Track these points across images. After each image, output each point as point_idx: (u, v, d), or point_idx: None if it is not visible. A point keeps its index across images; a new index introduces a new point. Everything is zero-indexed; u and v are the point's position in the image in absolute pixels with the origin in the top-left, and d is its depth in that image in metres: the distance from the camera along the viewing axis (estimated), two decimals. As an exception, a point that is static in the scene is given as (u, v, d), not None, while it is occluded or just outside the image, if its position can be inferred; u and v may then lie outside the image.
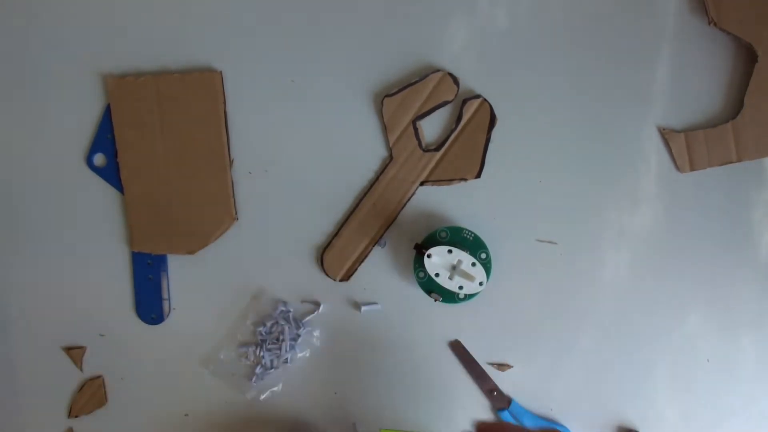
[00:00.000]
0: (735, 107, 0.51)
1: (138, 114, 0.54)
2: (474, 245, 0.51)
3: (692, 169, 0.52)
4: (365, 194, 0.54)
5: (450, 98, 0.52)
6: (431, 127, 0.53)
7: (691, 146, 0.52)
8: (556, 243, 0.54)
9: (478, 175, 0.53)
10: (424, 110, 0.52)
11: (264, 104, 0.54)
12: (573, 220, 0.53)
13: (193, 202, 0.54)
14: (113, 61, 0.54)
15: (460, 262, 0.49)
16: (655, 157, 0.53)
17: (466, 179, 0.53)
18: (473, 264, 0.49)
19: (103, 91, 0.54)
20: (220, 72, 0.53)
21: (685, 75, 0.51)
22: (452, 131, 0.53)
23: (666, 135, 0.52)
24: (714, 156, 0.52)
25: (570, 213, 0.53)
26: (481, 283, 0.50)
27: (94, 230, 0.56)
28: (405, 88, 0.52)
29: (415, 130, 0.53)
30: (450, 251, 0.49)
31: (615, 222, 0.53)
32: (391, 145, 0.53)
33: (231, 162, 0.54)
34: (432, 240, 0.51)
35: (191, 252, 0.55)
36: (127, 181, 0.55)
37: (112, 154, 0.55)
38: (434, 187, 0.54)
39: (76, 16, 0.53)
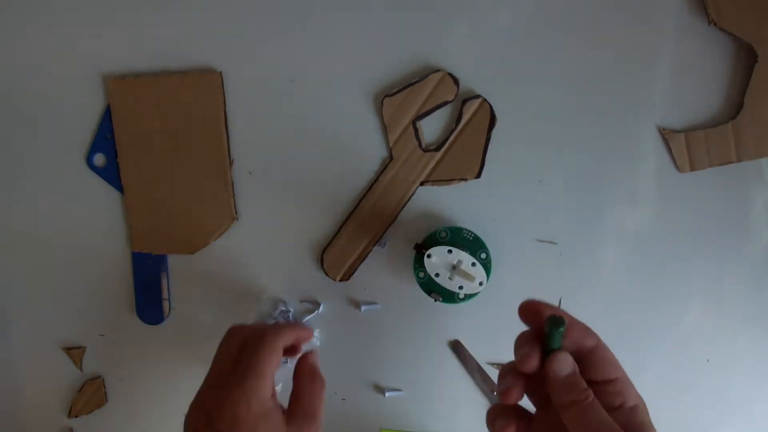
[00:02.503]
0: (735, 107, 0.51)
1: (138, 114, 0.54)
2: (474, 245, 0.51)
3: (692, 169, 0.52)
4: (365, 194, 0.54)
5: (450, 98, 0.52)
6: (431, 128, 0.53)
7: (691, 146, 0.52)
8: (556, 243, 0.54)
9: (478, 175, 0.53)
10: (424, 110, 0.52)
11: (264, 104, 0.54)
12: (573, 220, 0.53)
13: (193, 202, 0.55)
14: (113, 61, 0.54)
15: (460, 262, 0.49)
16: (655, 157, 0.53)
17: (466, 179, 0.53)
18: (473, 264, 0.49)
19: (103, 91, 0.54)
20: (220, 72, 0.53)
21: (685, 75, 0.51)
22: (452, 131, 0.53)
23: (666, 135, 0.52)
24: (714, 156, 0.52)
25: (570, 213, 0.53)
26: (481, 283, 0.50)
27: (94, 230, 0.56)
28: (405, 88, 0.52)
29: (415, 130, 0.53)
30: (450, 251, 0.49)
31: (615, 222, 0.53)
32: (391, 145, 0.53)
33: (231, 162, 0.54)
34: (432, 240, 0.51)
35: (191, 252, 0.55)
36: (127, 181, 0.55)
37: (112, 154, 0.55)
38: (434, 187, 0.54)
39: (76, 16, 0.53)
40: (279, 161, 0.54)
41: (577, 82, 0.52)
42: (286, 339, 0.45)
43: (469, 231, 0.51)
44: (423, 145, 0.53)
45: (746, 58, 0.51)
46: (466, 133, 0.53)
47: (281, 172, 0.55)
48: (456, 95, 0.52)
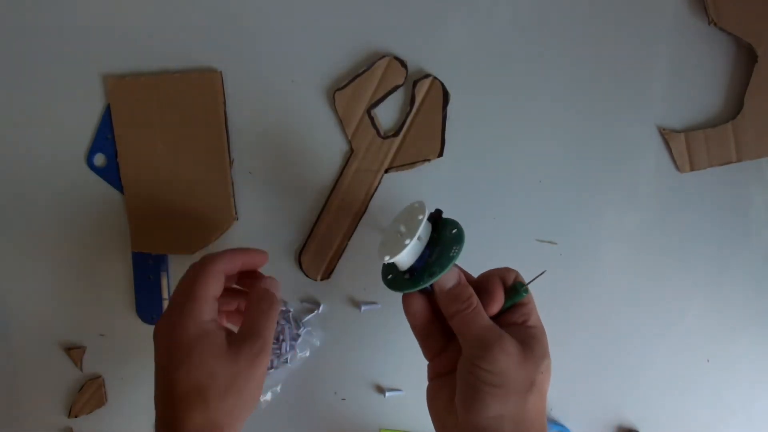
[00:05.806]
0: (735, 107, 0.51)
1: (138, 114, 0.54)
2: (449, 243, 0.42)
3: (692, 169, 0.52)
4: (332, 190, 0.54)
5: (400, 82, 0.52)
6: (387, 114, 0.53)
7: (691, 146, 0.52)
8: (556, 243, 0.54)
9: (440, 154, 0.53)
10: (376, 98, 0.52)
11: (264, 104, 0.54)
12: (573, 220, 0.53)
13: (193, 202, 0.55)
14: (113, 61, 0.54)
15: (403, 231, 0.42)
16: (655, 157, 0.53)
17: (429, 160, 0.53)
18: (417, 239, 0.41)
19: (103, 91, 0.54)
20: (220, 72, 0.53)
21: (685, 75, 0.51)
22: (408, 114, 0.52)
23: (666, 135, 0.52)
24: (714, 156, 0.52)
25: (570, 213, 0.53)
26: (388, 257, 0.42)
27: (94, 230, 0.56)
28: (354, 79, 0.52)
29: (371, 119, 0.53)
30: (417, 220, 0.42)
31: (615, 222, 0.53)
32: (349, 137, 0.53)
33: (231, 162, 0.54)
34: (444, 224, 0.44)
35: (191, 252, 0.55)
36: (127, 181, 0.55)
37: (112, 154, 0.55)
38: (399, 172, 0.53)
39: (77, 16, 0.53)
40: (279, 161, 0.54)
41: (577, 82, 0.52)
42: (227, 262, 0.44)
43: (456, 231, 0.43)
44: (381, 133, 0.53)
45: (746, 58, 0.51)
46: (422, 113, 0.52)
47: (281, 172, 0.55)
48: (405, 78, 0.52)
